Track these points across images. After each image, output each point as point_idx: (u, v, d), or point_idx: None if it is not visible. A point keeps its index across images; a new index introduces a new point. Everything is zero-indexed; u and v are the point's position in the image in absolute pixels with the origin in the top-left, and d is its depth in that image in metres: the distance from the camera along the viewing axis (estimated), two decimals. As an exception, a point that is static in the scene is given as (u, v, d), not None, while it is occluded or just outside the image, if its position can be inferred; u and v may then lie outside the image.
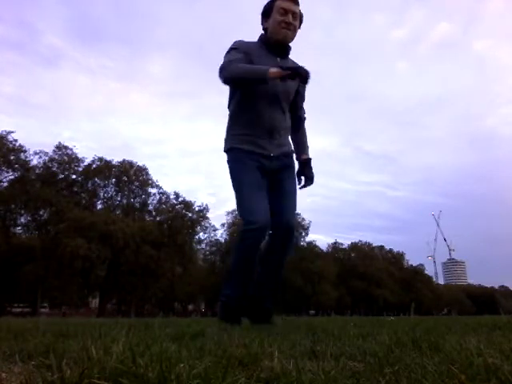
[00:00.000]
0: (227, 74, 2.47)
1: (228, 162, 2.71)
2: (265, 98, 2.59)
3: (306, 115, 2.95)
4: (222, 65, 2.52)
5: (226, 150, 2.72)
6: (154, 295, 40.44)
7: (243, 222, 2.52)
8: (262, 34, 2.73)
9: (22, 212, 34.13)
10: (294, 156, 2.84)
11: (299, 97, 2.83)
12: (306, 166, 2.81)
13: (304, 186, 2.80)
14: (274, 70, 2.39)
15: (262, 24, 2.73)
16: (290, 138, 2.83)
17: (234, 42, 2.66)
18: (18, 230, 35.19)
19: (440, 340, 1.21)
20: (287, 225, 2.62)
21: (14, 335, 1.68)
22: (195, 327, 2.20)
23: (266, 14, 2.67)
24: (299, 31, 2.72)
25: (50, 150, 35.54)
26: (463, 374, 0.70)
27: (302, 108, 2.90)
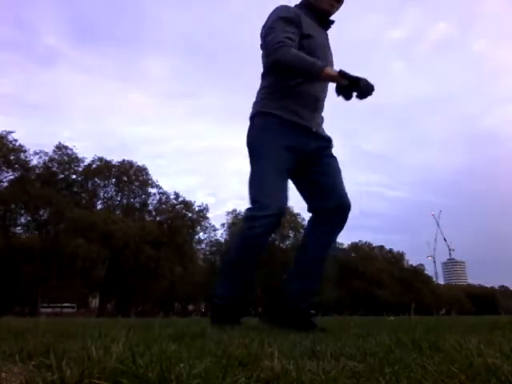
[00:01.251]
0: (277, 59, 2.12)
1: (252, 128, 2.29)
2: None
3: None
4: (271, 43, 2.13)
5: (254, 114, 2.28)
6: (153, 295, 40.44)
7: (254, 206, 2.15)
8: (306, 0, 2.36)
9: (22, 212, 34.11)
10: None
11: None
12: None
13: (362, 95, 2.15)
14: (329, 70, 2.06)
15: None
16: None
17: (282, 9, 2.24)
18: (18, 229, 35.19)
19: (440, 340, 1.21)
20: (345, 202, 2.28)
21: (14, 335, 1.67)
22: (195, 327, 2.20)
23: None
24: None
25: (49, 149, 35.58)
26: (463, 374, 0.70)
27: None
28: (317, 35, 2.29)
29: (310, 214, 2.41)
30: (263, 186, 2.16)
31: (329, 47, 2.43)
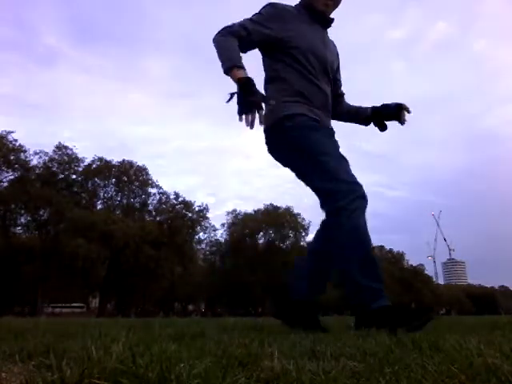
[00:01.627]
0: (213, 41, 2.14)
1: (287, 131, 2.13)
2: (317, 65, 2.23)
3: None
4: (227, 26, 2.15)
5: (279, 119, 2.14)
6: (153, 295, 40.47)
7: (338, 196, 1.97)
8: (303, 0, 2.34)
9: (22, 212, 34.14)
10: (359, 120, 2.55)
11: (340, 74, 2.53)
12: (378, 110, 2.47)
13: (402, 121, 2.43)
14: (236, 74, 2.00)
15: None
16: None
17: (268, 6, 2.20)
18: (18, 229, 35.23)
19: (440, 340, 1.21)
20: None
21: (14, 335, 1.68)
22: (195, 327, 2.21)
23: None
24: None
25: (49, 149, 35.61)
26: (463, 374, 0.70)
27: (341, 83, 2.56)
28: (310, 35, 2.25)
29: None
30: (336, 174, 2.02)
31: (327, 46, 2.38)
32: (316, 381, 0.72)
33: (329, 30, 2.44)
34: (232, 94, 1.99)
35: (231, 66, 2.03)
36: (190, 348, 1.11)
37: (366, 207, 2.04)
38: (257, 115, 1.95)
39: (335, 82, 2.45)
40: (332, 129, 2.36)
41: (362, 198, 2.02)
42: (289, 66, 2.21)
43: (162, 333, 1.69)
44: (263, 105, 2.01)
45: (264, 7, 2.22)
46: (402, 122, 2.45)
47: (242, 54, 2.13)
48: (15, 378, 0.78)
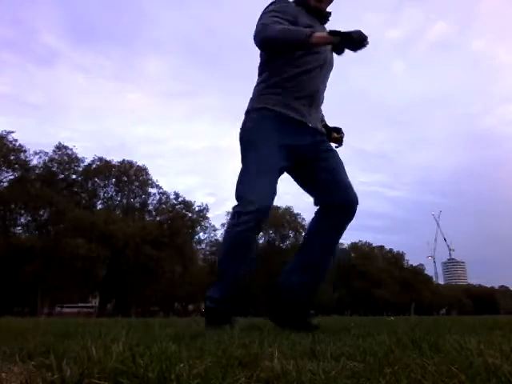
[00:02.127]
0: (263, 36, 2.10)
1: (246, 122, 2.25)
2: (314, 59, 2.23)
3: None
4: (257, 28, 2.14)
5: (249, 109, 2.26)
6: (154, 295, 40.46)
7: (239, 202, 2.12)
8: None
9: (22, 212, 34.17)
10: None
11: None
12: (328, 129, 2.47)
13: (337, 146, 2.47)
14: (319, 34, 2.03)
15: None
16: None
17: (276, 1, 2.25)
18: (18, 230, 35.24)
19: (440, 340, 1.21)
20: (352, 197, 2.26)
21: (14, 335, 1.68)
22: (195, 327, 2.21)
23: None
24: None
25: (49, 149, 35.64)
26: (463, 374, 0.70)
27: None
28: (315, 29, 2.21)
29: (316, 208, 2.36)
30: (250, 182, 2.11)
31: None
32: (316, 381, 0.72)
33: (327, 24, 2.42)
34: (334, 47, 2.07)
35: (310, 31, 2.02)
36: (190, 348, 1.11)
37: (258, 223, 2.11)
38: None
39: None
40: (310, 127, 2.26)
41: (257, 213, 2.07)
42: (280, 63, 2.22)
43: (161, 333, 1.69)
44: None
45: (273, 3, 2.25)
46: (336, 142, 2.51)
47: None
48: (15, 378, 0.78)
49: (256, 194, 2.07)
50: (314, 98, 2.26)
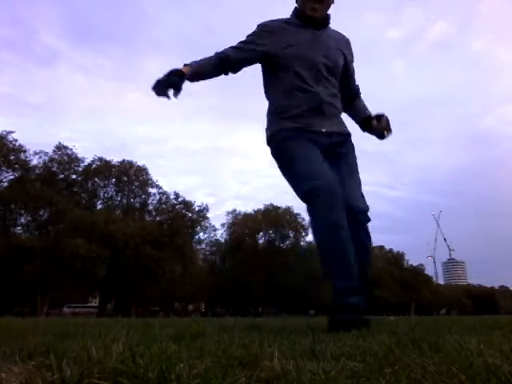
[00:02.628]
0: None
1: (274, 147, 2.35)
2: (304, 71, 2.29)
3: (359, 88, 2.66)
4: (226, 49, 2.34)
5: (269, 138, 2.38)
6: (154, 295, 40.47)
7: (313, 195, 2.07)
8: (295, 7, 2.44)
9: (22, 212, 34.18)
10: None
11: (350, 69, 2.56)
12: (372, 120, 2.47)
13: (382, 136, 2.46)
14: (183, 69, 2.20)
15: None
16: (342, 118, 2.49)
17: (258, 26, 2.39)
18: (18, 230, 35.25)
19: (440, 340, 1.21)
20: (356, 205, 2.23)
21: (14, 335, 1.68)
22: (195, 327, 2.21)
23: None
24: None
25: (49, 149, 35.65)
26: (463, 374, 0.70)
27: (355, 80, 2.62)
28: (302, 41, 2.33)
29: None
30: (310, 174, 2.12)
31: (322, 47, 2.37)
32: (316, 381, 0.72)
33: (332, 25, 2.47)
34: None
35: (183, 66, 2.21)
36: (190, 348, 1.11)
37: (335, 198, 2.06)
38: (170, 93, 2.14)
39: (345, 80, 2.50)
40: (324, 132, 2.31)
41: (327, 191, 2.05)
42: (276, 78, 2.36)
43: (161, 333, 1.69)
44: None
45: (258, 26, 2.39)
46: (381, 137, 2.50)
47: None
48: (15, 378, 0.78)
49: (316, 175, 2.10)
50: (319, 105, 2.30)
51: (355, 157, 2.43)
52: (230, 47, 2.34)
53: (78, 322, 4.10)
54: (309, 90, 2.29)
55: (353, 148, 2.45)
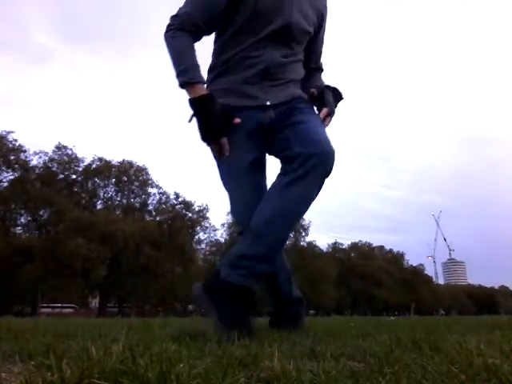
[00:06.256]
0: (166, 43, 1.77)
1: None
2: (262, 32, 1.79)
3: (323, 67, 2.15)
4: (174, 19, 1.76)
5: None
6: (154, 295, 40.44)
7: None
8: None
9: (22, 212, 34.15)
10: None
11: (318, 40, 2.04)
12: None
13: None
14: (192, 91, 1.69)
15: None
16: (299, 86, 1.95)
17: None
18: (18, 230, 35.21)
19: (440, 340, 1.21)
20: (321, 148, 1.64)
21: (14, 335, 1.67)
22: (195, 327, 2.20)
23: None
24: None
25: (48, 149, 35.66)
26: (463, 374, 0.70)
27: (320, 54, 2.11)
28: None
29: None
30: (231, 199, 1.91)
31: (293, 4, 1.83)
32: (316, 381, 0.72)
33: None
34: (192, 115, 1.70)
35: (187, 80, 1.70)
36: (190, 348, 1.11)
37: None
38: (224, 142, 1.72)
39: (308, 52, 2.00)
40: (272, 102, 1.81)
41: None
42: (227, 38, 1.86)
43: (161, 333, 1.69)
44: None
45: None
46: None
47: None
48: (15, 378, 0.78)
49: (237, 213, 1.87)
50: (268, 70, 1.81)
51: (313, 109, 1.95)
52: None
53: (78, 322, 4.10)
54: (262, 52, 1.82)
55: (310, 104, 1.94)
